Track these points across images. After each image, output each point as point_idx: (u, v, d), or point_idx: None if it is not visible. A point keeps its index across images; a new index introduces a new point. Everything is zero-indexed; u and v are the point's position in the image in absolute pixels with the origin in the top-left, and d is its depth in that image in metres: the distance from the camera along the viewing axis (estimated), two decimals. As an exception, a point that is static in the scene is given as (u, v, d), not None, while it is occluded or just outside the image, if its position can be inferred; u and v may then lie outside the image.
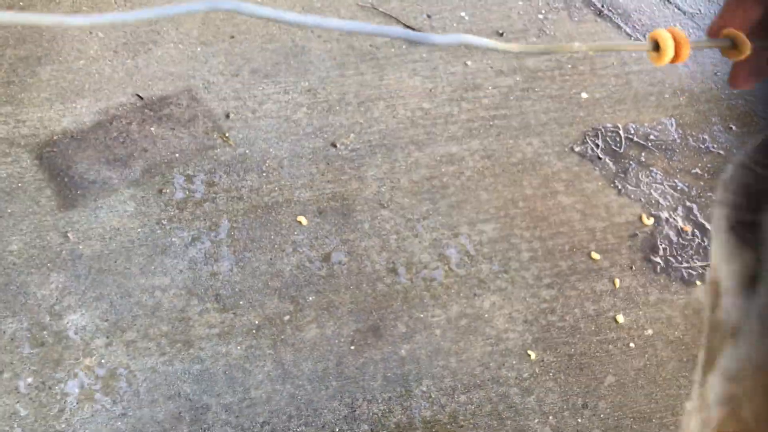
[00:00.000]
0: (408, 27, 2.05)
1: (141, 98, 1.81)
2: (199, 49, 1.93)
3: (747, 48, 0.57)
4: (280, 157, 1.76)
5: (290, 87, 1.89)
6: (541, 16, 2.13)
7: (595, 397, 1.50)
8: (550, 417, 1.46)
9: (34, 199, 1.63)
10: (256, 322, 1.52)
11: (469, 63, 1.99)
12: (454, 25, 2.07)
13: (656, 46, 0.56)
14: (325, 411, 1.43)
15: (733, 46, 0.58)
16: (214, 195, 1.68)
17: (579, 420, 1.46)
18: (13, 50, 1.86)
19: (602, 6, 2.17)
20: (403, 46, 2.01)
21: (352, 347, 1.50)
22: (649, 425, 1.47)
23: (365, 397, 1.45)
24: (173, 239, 1.61)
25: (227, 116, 1.81)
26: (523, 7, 2.14)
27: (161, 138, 1.76)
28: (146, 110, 1.80)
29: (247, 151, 1.76)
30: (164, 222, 1.63)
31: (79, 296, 1.51)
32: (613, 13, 2.16)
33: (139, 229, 1.62)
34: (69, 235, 1.59)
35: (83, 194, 1.65)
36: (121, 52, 1.90)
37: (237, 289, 1.56)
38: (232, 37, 1.97)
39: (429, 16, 2.08)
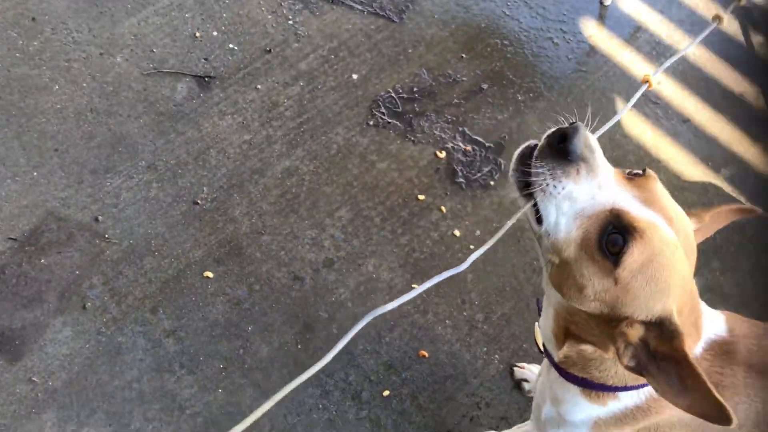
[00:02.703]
0: (196, 76, 2.36)
1: (15, 239, 2.01)
2: (35, 173, 2.12)
3: None
4: (161, 233, 2.08)
5: (132, 171, 2.17)
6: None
7: (465, 292, 2.11)
8: (447, 320, 2.06)
9: (-17, 367, 1.83)
10: (221, 366, 1.92)
11: (259, 86, 2.38)
12: (229, 57, 2.42)
13: None
14: (306, 397, 1.90)
15: None
16: (128, 289, 1.99)
17: (465, 313, 2.07)
18: None
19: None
20: (201, 95, 2.34)
21: (299, 346, 1.97)
22: (511, 294, 2.12)
23: (326, 374, 1.94)
24: (119, 339, 1.92)
25: (96, 220, 2.07)
26: (273, 20, 2.54)
27: (55, 264, 2.00)
28: (26, 247, 2.01)
29: (131, 242, 2.06)
30: (103, 330, 1.92)
31: (75, 420, 1.80)
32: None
33: (87, 345, 1.90)
34: (34, 379, 1.84)
35: (22, 342, 1.88)
36: (-33, 206, 2.04)
37: (192, 351, 1.93)
38: (56, 149, 2.17)
39: (206, 59, 2.41)
